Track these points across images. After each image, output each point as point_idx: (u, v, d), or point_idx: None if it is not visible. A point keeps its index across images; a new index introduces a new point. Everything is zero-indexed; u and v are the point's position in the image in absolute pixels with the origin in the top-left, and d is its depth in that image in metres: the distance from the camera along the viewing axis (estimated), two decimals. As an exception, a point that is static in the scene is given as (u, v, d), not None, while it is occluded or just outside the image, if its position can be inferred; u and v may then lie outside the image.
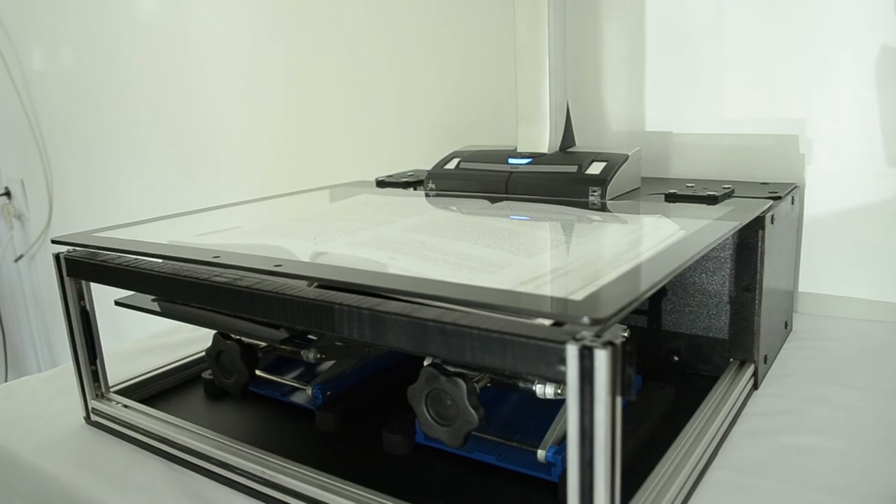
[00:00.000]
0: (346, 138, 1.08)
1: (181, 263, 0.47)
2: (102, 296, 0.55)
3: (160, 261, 0.49)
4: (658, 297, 0.60)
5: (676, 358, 0.60)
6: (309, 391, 0.55)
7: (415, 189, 0.77)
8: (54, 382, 0.67)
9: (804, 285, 0.73)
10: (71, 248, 0.54)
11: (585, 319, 0.30)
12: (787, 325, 0.68)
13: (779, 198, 0.59)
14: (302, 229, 0.56)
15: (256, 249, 0.47)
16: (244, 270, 0.43)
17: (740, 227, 0.51)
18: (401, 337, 0.36)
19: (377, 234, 0.51)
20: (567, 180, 0.64)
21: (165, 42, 1.31)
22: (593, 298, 0.33)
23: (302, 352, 0.52)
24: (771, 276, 0.57)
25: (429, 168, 0.74)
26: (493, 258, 0.44)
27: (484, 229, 0.53)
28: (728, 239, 0.56)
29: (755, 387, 0.57)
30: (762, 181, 0.71)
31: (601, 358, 0.29)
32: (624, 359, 0.30)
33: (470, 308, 0.35)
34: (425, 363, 0.43)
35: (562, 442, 0.44)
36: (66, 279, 0.54)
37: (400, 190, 0.76)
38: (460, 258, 0.43)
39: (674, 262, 0.39)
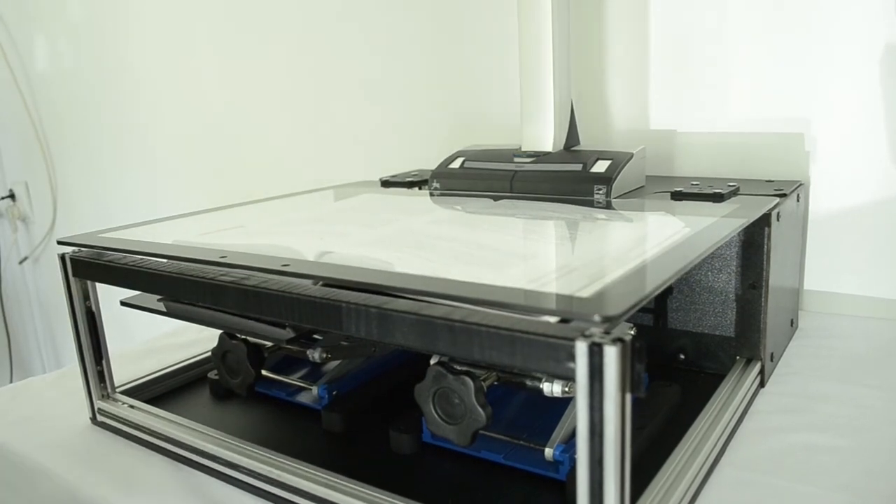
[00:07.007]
0: (349, 138, 1.08)
1: (187, 263, 0.47)
2: (108, 296, 0.55)
3: (165, 261, 0.49)
4: (664, 296, 0.60)
5: (683, 356, 0.60)
6: (315, 391, 0.55)
7: (419, 188, 0.77)
8: (60, 383, 0.67)
9: (810, 283, 0.73)
10: (76, 248, 0.54)
11: (596, 317, 0.30)
12: (793, 323, 0.68)
13: (784, 195, 0.59)
14: (308, 228, 0.56)
15: (263, 249, 0.47)
16: (251, 270, 0.43)
17: (747, 224, 0.51)
18: (408, 335, 0.36)
19: (383, 233, 0.51)
20: (572, 178, 0.64)
21: (169, 43, 1.32)
22: (601, 295, 0.33)
23: (308, 351, 0.52)
24: (777, 274, 0.57)
25: (433, 168, 0.74)
26: (498, 255, 0.44)
27: (490, 226, 0.53)
28: (734, 237, 0.55)
29: (762, 385, 0.57)
30: (767, 179, 0.70)
31: (611, 354, 0.29)
32: (633, 355, 0.30)
33: (478, 306, 0.34)
34: (432, 361, 0.43)
35: (569, 440, 0.44)
36: (72, 280, 0.54)
37: (405, 189, 0.76)
38: (467, 254, 0.43)
39: (683, 260, 0.39)
